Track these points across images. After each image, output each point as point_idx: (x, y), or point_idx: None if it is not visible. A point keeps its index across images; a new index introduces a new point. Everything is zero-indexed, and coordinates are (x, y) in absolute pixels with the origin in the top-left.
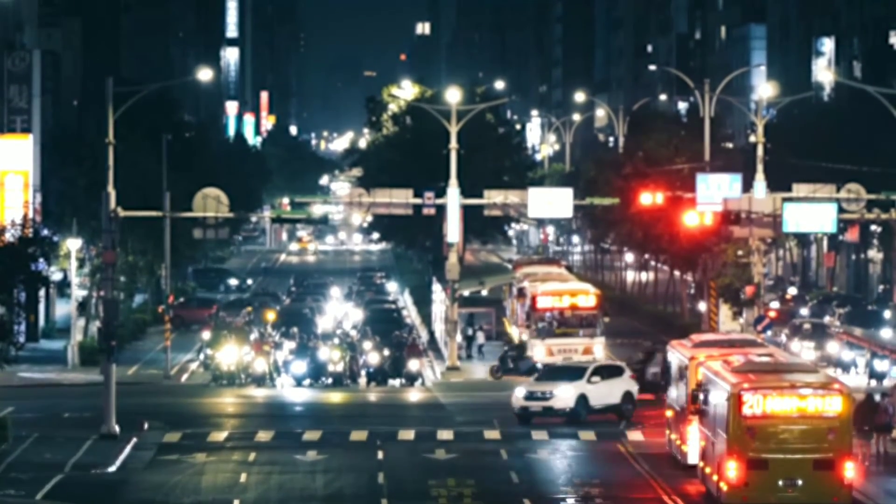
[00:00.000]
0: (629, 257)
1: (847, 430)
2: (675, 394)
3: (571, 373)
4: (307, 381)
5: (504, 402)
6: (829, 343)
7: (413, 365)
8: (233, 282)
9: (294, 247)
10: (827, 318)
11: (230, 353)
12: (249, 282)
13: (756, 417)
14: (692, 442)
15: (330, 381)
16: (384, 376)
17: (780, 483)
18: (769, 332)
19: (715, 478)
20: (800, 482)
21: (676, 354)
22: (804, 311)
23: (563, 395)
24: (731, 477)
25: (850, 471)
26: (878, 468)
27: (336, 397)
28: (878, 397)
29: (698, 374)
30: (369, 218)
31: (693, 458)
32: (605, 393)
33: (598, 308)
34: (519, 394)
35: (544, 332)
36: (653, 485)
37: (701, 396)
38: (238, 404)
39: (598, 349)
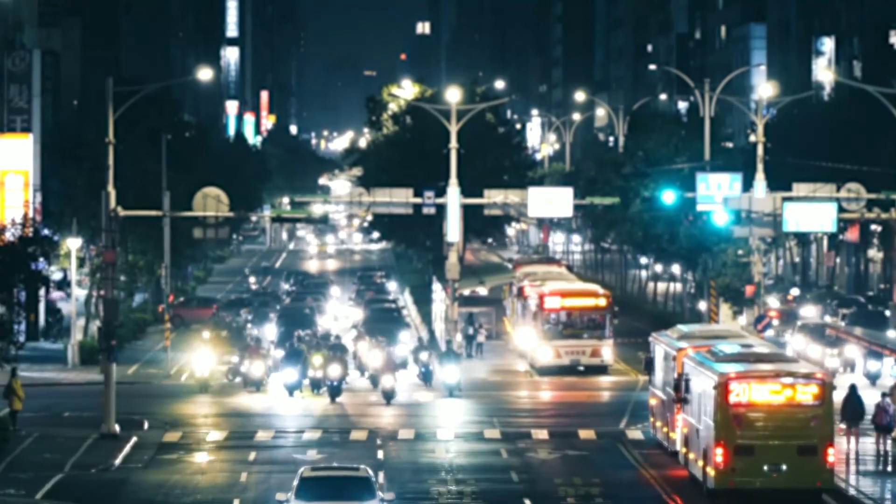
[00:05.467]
0: (642, 261)
1: (829, 416)
2: (661, 383)
3: (353, 485)
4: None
5: (504, 401)
6: (847, 347)
7: (387, 381)
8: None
9: (313, 249)
10: (828, 319)
11: (205, 359)
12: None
13: (742, 405)
14: (680, 429)
15: (323, 390)
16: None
17: (766, 468)
18: (769, 331)
19: (700, 463)
20: (784, 467)
21: (662, 346)
22: (807, 312)
23: None
24: (719, 462)
25: (832, 456)
26: (879, 468)
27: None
28: (879, 397)
29: (684, 364)
30: (369, 217)
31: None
32: None
33: (608, 309)
34: None
35: (552, 334)
36: (652, 484)
37: (685, 385)
38: (238, 404)
39: (607, 351)
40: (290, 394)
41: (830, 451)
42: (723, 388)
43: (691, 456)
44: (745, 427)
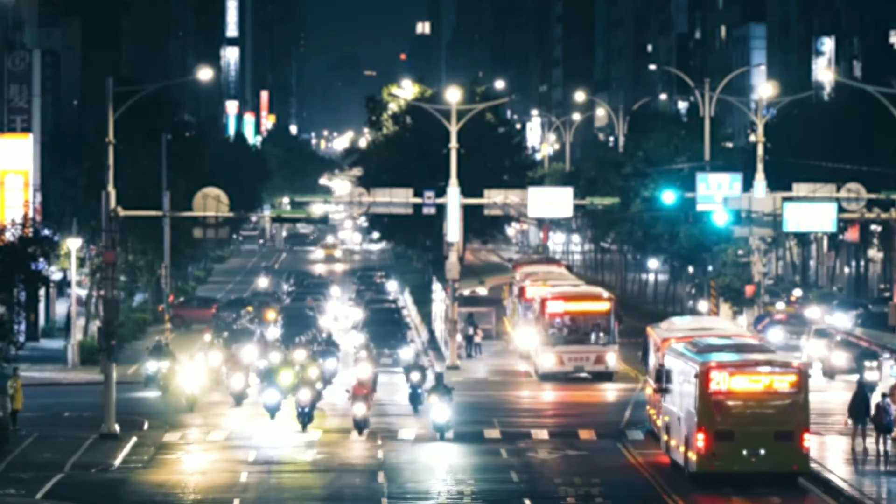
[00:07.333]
0: (651, 266)
1: (804, 404)
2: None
3: None
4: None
5: (504, 401)
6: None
7: (358, 409)
8: None
9: (318, 253)
10: (829, 320)
11: (193, 374)
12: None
13: (722, 393)
14: (662, 417)
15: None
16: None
17: (745, 452)
18: (776, 333)
19: (682, 449)
20: (762, 452)
21: (653, 338)
22: (812, 313)
23: None
24: (700, 448)
25: (808, 441)
26: (880, 468)
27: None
28: (879, 396)
29: (666, 355)
30: (363, 218)
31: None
32: None
33: (612, 313)
34: None
35: (554, 340)
36: (653, 483)
37: (667, 375)
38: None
39: (612, 358)
40: (271, 416)
41: (806, 436)
42: (704, 376)
43: (672, 442)
44: (725, 414)
